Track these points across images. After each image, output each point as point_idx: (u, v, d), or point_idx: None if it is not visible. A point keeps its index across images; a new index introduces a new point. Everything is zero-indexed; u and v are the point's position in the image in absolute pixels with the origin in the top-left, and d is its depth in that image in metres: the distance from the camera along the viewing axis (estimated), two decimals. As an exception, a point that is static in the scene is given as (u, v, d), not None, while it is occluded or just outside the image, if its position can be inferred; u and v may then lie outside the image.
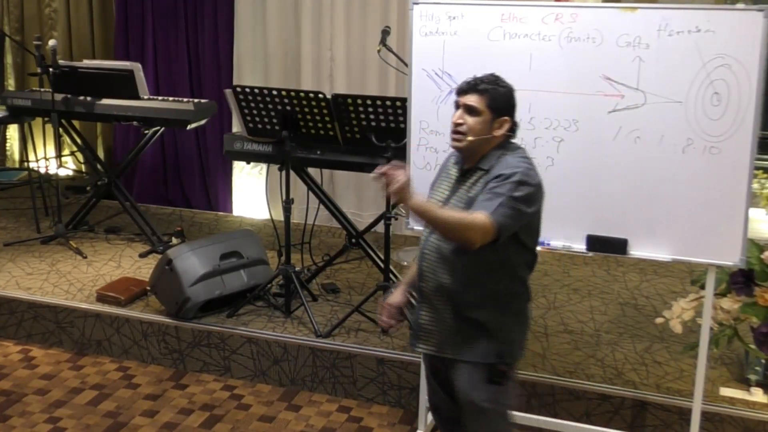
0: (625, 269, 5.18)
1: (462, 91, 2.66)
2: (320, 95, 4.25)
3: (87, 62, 5.55)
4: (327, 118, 4.31)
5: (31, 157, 6.49)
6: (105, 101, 5.32)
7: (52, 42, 5.28)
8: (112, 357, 4.42)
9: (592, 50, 3.09)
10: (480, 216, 2.48)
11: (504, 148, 2.65)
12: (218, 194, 6.26)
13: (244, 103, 4.43)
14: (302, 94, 4.29)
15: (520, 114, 3.19)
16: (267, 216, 4.97)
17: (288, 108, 4.31)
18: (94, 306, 4.49)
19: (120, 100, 5.25)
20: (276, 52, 5.87)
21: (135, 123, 5.35)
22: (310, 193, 4.76)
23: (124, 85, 5.17)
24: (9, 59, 6.95)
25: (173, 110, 5.16)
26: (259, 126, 4.48)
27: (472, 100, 2.62)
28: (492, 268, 2.60)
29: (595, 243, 3.24)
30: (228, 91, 4.62)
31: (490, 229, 2.48)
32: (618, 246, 3.20)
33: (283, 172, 4.32)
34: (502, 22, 3.21)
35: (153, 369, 4.33)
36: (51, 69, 5.14)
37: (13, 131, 7.01)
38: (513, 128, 2.69)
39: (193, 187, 6.34)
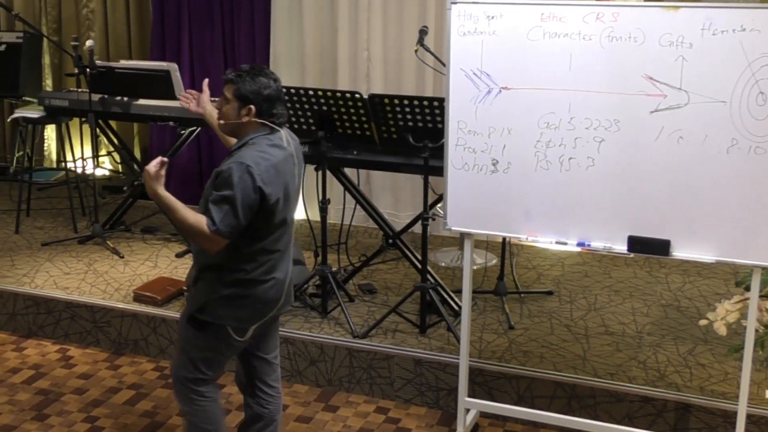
0: (667, 270, 5.17)
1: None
2: (357, 95, 4.29)
3: (124, 62, 5.64)
4: (363, 118, 4.35)
5: (69, 157, 6.62)
6: (141, 101, 5.42)
7: (89, 42, 5.39)
8: (149, 357, 4.51)
9: (633, 50, 3.10)
10: (204, 228, 2.84)
11: (256, 135, 2.97)
12: (253, 194, 6.34)
13: (280, 103, 4.50)
14: (338, 94, 4.33)
15: (560, 114, 3.26)
16: (303, 216, 5.03)
17: (324, 108, 4.36)
18: (131, 306, 4.59)
19: (156, 100, 5.34)
20: (312, 51, 5.93)
21: (171, 123, 5.43)
22: (347, 194, 4.82)
23: (160, 86, 5.26)
24: (47, 60, 7.07)
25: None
26: (295, 126, 4.53)
27: (225, 89, 3.00)
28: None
29: (637, 244, 3.25)
30: (264, 91, 4.68)
31: (214, 238, 2.86)
32: (660, 247, 3.21)
33: (320, 173, 4.38)
34: (541, 21, 3.23)
35: None
36: (88, 69, 5.25)
37: (50, 131, 7.14)
38: (264, 115, 2.97)
39: (228, 187, 6.42)
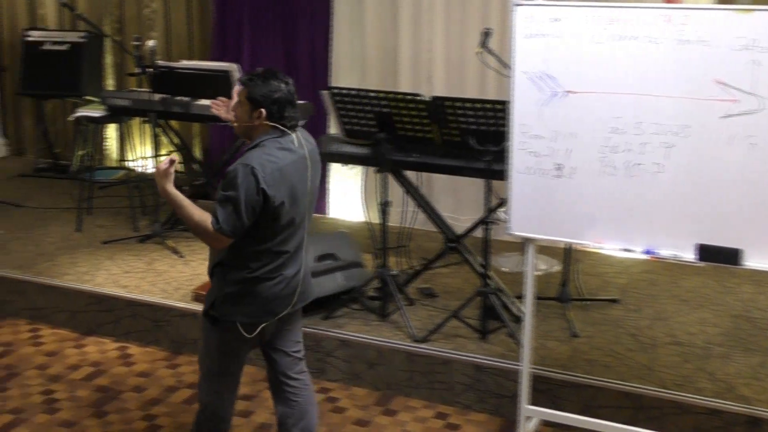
0: (738, 280, 5.13)
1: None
2: (418, 97, 4.36)
3: (185, 63, 5.77)
4: (425, 121, 4.41)
5: (129, 156, 6.84)
6: (202, 101, 5.54)
7: (151, 42, 5.55)
8: (208, 357, 4.65)
9: (704, 53, 3.10)
10: (209, 226, 3.04)
11: (267, 137, 3.12)
12: (314, 195, 6.46)
13: (340, 105, 4.57)
14: (400, 96, 4.41)
15: (627, 118, 3.27)
16: (363, 218, 5.12)
17: (385, 110, 4.43)
18: (190, 305, 4.71)
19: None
20: (373, 52, 6.03)
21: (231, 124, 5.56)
22: (407, 196, 4.90)
23: (220, 86, 5.35)
24: (109, 59, 7.31)
25: (270, 111, 5.35)
26: (356, 128, 4.61)
27: (238, 91, 3.19)
28: None
29: (706, 253, 3.25)
30: (324, 93, 4.76)
31: (218, 236, 3.04)
32: (731, 256, 3.21)
33: (380, 175, 4.47)
34: (608, 24, 3.25)
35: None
36: (149, 69, 5.42)
37: (111, 131, 7.36)
38: (275, 118, 3.12)
39: (289, 188, 6.54)
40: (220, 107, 3.55)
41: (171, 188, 3.07)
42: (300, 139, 3.18)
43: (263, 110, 3.09)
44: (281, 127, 3.13)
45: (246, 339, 3.22)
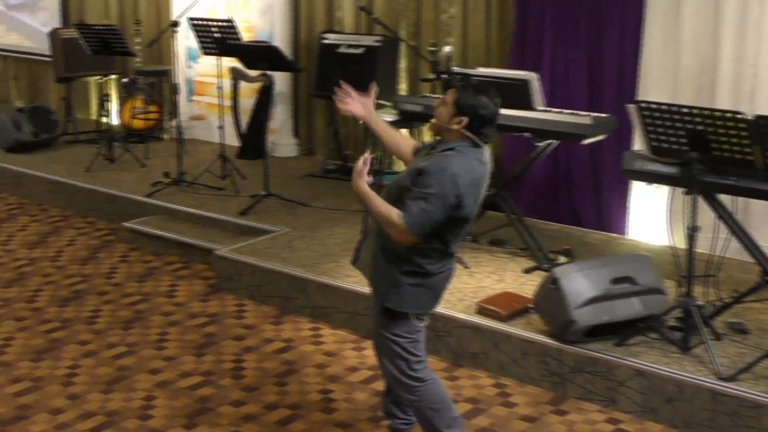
0: None
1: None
2: (739, 115, 4.32)
3: (481, 70, 6.03)
4: (745, 141, 4.35)
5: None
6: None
7: (447, 48, 5.87)
8: (488, 372, 4.82)
9: None
10: (396, 218, 3.40)
11: (460, 144, 3.48)
12: (612, 214, 6.49)
13: (648, 120, 4.61)
14: (717, 114, 4.38)
15: None
16: (666, 242, 5.11)
17: (699, 127, 4.42)
18: (473, 318, 4.94)
19: (512, 110, 5.58)
20: (689, 66, 5.98)
21: (527, 135, 5.75)
22: (720, 222, 4.84)
23: (518, 95, 5.54)
24: (403, 64, 7.76)
25: (569, 123, 5.45)
26: (664, 145, 4.63)
27: (449, 92, 3.54)
28: None
29: None
30: (631, 106, 4.82)
31: (404, 230, 3.39)
32: None
33: (689, 197, 4.46)
34: None
35: (530, 390, 4.64)
36: (444, 75, 5.74)
37: (401, 135, 7.86)
38: (473, 130, 3.47)
39: (585, 204, 6.64)
40: (347, 102, 3.85)
41: (363, 185, 3.48)
42: (488, 153, 3.55)
43: (465, 119, 3.46)
44: (476, 140, 3.47)
45: (419, 327, 3.68)
